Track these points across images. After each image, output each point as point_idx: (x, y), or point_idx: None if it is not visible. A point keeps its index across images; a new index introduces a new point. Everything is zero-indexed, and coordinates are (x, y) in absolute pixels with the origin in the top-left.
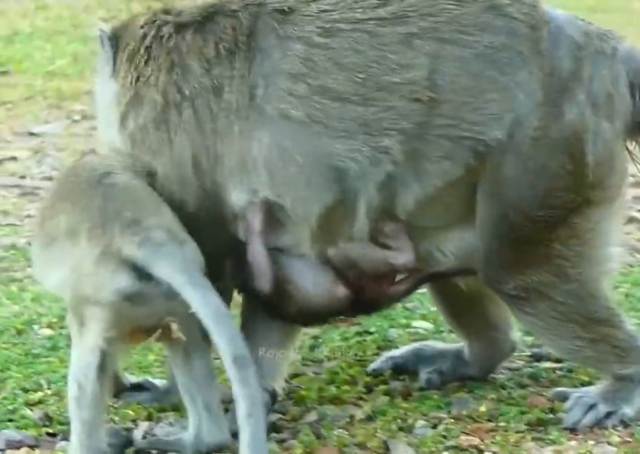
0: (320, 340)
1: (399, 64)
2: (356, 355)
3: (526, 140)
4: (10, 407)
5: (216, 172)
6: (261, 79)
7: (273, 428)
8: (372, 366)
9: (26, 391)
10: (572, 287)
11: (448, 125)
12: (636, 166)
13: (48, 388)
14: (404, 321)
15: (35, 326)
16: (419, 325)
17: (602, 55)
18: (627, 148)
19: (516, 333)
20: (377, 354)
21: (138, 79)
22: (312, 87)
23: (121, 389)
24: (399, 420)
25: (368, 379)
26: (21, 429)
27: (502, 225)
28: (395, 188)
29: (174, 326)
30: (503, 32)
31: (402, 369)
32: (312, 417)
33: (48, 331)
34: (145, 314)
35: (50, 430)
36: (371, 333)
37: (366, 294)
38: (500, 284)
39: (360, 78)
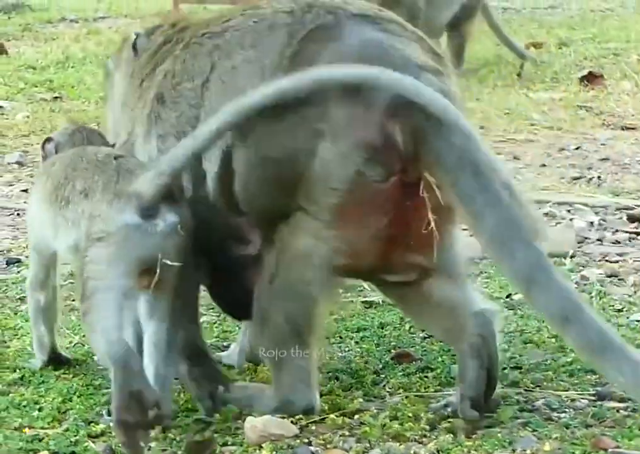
0: (382, 376)
1: (194, 71)
2: (418, 391)
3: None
4: (72, 439)
5: None
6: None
7: None
8: (433, 408)
9: (88, 423)
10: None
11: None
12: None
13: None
14: None
15: (95, 357)
16: None
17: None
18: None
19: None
20: (439, 391)
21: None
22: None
23: None
24: None
25: (431, 416)
26: None
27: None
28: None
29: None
30: (266, 38)
31: None
32: None
33: None
34: (144, 247)
35: None
36: (433, 370)
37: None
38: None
39: (174, 82)
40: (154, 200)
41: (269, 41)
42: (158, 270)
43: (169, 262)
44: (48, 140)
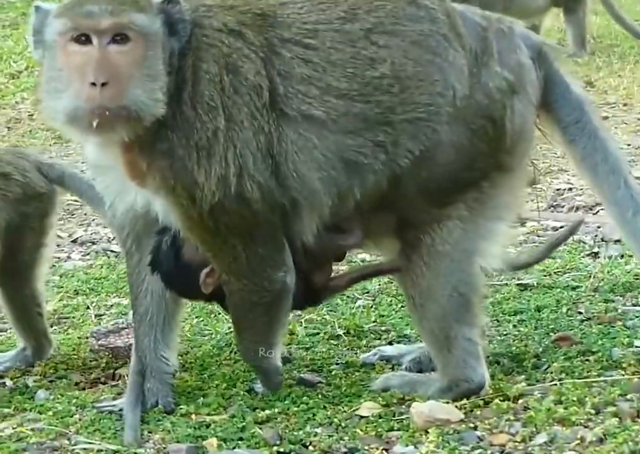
0: (543, 360)
1: (370, 58)
2: (580, 375)
3: (460, 110)
4: (239, 426)
5: None
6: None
7: (502, 451)
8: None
9: (253, 409)
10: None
11: (407, 111)
12: (545, 137)
13: (275, 407)
14: (626, 340)
15: None
16: None
17: (502, 33)
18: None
19: None
20: (602, 374)
21: None
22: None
23: None
24: (630, 443)
25: (595, 400)
26: (253, 448)
27: (426, 186)
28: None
29: None
30: (427, 20)
31: None
32: (542, 438)
33: None
34: None
35: (281, 450)
36: (594, 353)
37: (315, 284)
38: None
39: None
40: None
41: (425, 14)
42: None
43: None
44: None
